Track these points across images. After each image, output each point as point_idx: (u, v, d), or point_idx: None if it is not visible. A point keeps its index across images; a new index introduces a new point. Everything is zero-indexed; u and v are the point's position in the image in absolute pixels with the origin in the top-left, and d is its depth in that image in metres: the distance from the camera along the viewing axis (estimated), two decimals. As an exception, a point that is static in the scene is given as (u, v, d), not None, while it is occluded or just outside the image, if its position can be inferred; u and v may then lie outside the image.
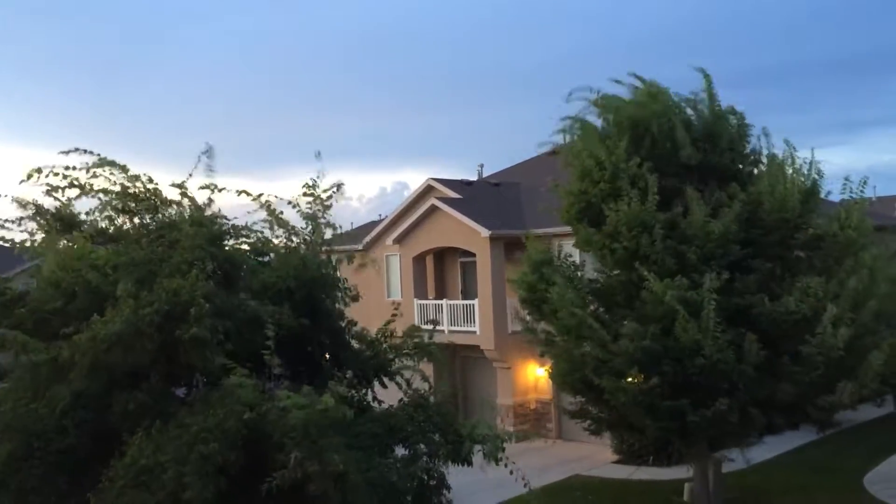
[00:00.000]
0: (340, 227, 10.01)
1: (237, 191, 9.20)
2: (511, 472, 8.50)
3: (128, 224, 9.19)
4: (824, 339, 12.74)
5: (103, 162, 8.80)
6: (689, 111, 14.91)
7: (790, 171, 14.11)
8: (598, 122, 15.24)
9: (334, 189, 9.66)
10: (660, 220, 13.50)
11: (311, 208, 9.60)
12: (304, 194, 9.57)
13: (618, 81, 14.85)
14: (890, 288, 14.38)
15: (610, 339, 13.64)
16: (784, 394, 13.29)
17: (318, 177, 9.53)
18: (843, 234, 13.85)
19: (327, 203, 9.61)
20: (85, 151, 8.75)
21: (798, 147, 14.35)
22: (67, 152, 8.71)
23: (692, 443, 14.82)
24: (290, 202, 9.51)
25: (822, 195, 14.61)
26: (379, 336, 9.98)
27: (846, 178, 14.48)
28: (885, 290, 14.15)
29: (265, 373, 8.30)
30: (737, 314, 13.48)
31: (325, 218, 9.62)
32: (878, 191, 47.95)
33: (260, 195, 9.30)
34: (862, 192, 14.42)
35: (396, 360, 9.86)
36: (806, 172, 14.26)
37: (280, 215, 9.43)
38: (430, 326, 10.56)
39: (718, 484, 16.74)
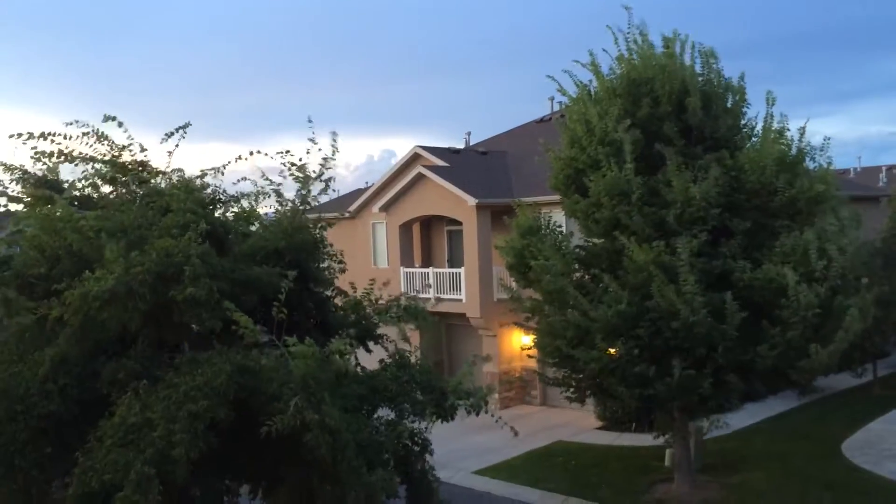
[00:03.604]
0: (335, 189, 9.99)
1: (236, 157, 9.14)
2: (496, 420, 8.66)
3: (114, 193, 9.14)
4: (799, 299, 12.90)
5: (99, 136, 8.73)
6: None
7: (771, 137, 14.21)
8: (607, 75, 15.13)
9: (326, 161, 9.65)
10: (639, 187, 13.56)
11: (302, 174, 9.56)
12: (294, 164, 9.50)
13: (627, 38, 14.69)
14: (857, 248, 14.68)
15: (591, 306, 13.77)
16: (763, 357, 13.47)
17: (313, 142, 9.47)
18: (813, 189, 13.99)
19: (323, 170, 9.59)
20: (87, 128, 8.68)
21: (787, 117, 14.43)
22: (69, 124, 8.66)
23: (666, 410, 15.05)
24: (283, 164, 9.47)
25: (808, 164, 14.70)
26: (362, 299, 10.01)
27: (821, 144, 14.68)
28: (853, 245, 14.40)
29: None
30: (719, 278, 13.64)
31: (317, 183, 9.60)
32: (864, 161, 48.42)
33: (252, 153, 9.22)
34: (829, 158, 14.66)
35: (381, 324, 9.91)
36: (790, 140, 14.35)
37: (274, 179, 9.46)
38: (424, 294, 10.66)
39: (699, 450, 17.05)
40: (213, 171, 9.17)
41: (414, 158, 26.61)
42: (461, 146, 30.42)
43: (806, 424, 20.45)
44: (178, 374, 7.49)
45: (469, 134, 32.33)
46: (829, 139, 14.61)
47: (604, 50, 15.10)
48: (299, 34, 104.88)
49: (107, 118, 8.70)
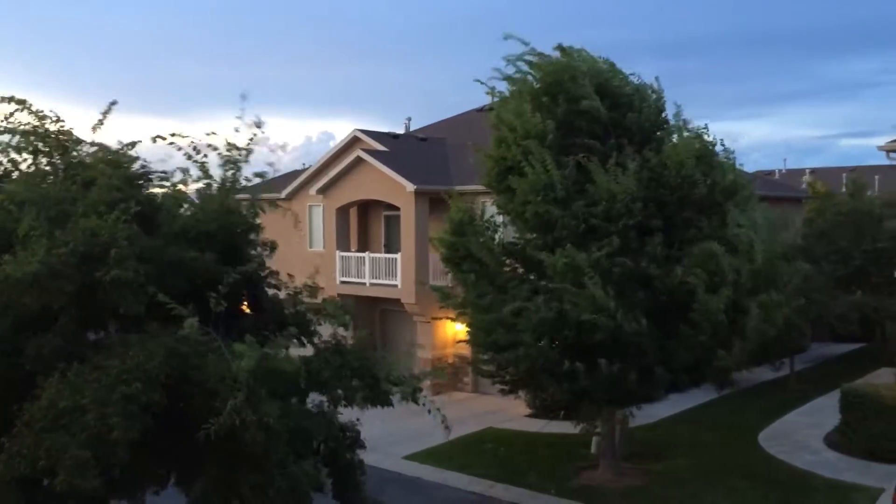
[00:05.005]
0: (276, 170, 9.77)
1: (152, 137, 8.81)
2: (429, 412, 8.73)
3: (33, 165, 8.76)
4: (707, 305, 13.44)
5: (13, 99, 8.35)
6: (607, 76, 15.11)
7: (686, 134, 14.71)
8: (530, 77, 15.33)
9: (254, 136, 9.36)
10: (562, 184, 13.81)
11: (231, 153, 9.26)
12: (227, 144, 9.22)
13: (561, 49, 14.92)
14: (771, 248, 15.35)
15: (516, 318, 14.11)
16: (680, 357, 14.04)
17: (241, 119, 9.18)
18: (726, 179, 14.57)
19: (248, 147, 9.31)
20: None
21: (718, 118, 15.03)
22: None
23: (595, 402, 15.46)
24: (209, 146, 9.15)
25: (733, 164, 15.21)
26: (300, 293, 9.84)
27: (723, 144, 15.30)
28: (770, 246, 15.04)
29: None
30: (645, 279, 14.03)
31: (245, 163, 9.33)
32: (789, 163, 50.14)
33: (173, 135, 8.89)
34: (733, 156, 15.32)
35: (316, 321, 9.79)
36: (708, 139, 14.84)
37: (201, 158, 9.11)
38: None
39: (624, 438, 17.49)
40: (130, 146, 8.84)
41: (353, 142, 26.41)
42: (401, 132, 30.33)
43: (726, 415, 21.20)
44: (109, 356, 7.30)
45: (409, 120, 32.41)
46: (728, 147, 15.36)
47: (520, 61, 15.20)
48: (236, 8, 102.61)
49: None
